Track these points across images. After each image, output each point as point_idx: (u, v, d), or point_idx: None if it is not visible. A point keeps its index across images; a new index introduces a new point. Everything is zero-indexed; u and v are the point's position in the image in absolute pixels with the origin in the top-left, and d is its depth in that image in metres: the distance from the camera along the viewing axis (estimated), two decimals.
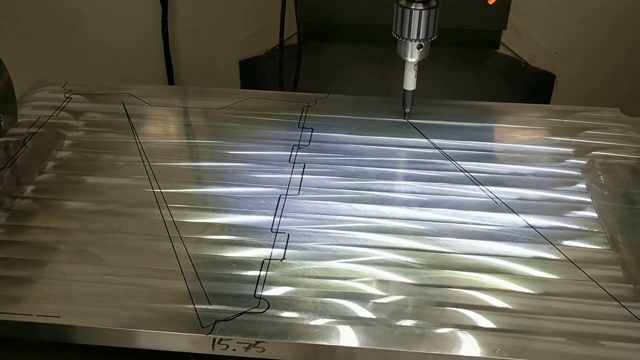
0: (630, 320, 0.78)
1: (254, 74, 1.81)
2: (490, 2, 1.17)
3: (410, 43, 1.08)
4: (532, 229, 0.92)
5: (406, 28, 1.07)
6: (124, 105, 1.22)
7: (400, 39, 1.09)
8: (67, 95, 1.25)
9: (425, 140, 1.12)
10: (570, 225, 0.93)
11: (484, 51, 1.62)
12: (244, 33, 1.83)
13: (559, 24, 1.71)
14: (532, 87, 1.73)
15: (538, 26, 1.71)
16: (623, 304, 0.79)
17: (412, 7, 1.05)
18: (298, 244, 0.89)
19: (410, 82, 1.14)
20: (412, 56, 1.10)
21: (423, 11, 1.05)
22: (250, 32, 1.82)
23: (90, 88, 1.28)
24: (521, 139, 1.13)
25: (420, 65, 1.12)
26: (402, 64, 1.13)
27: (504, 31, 1.49)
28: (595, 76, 1.75)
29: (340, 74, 1.64)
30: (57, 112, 1.20)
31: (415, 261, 0.86)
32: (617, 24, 1.68)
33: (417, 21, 1.06)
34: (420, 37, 1.07)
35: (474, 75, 1.62)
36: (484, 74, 1.63)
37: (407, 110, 1.16)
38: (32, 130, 1.14)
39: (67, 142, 1.12)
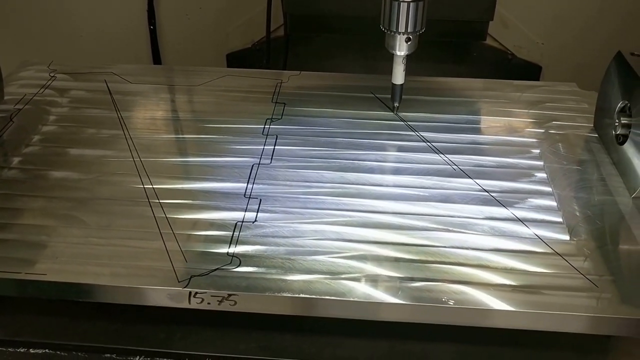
0: (571, 272, 0.85)
1: (241, 66, 1.84)
2: None
3: (399, 36, 1.07)
4: (486, 193, 0.99)
5: (394, 21, 1.06)
6: (106, 83, 1.28)
7: (389, 32, 1.08)
8: (51, 74, 1.30)
9: (390, 113, 1.18)
10: (522, 187, 1.00)
11: (471, 42, 1.64)
12: (230, 25, 1.85)
13: (545, 14, 1.74)
14: (518, 78, 1.75)
15: (525, 17, 1.73)
16: (565, 257, 0.87)
17: (400, 0, 1.04)
18: (269, 208, 0.96)
19: (398, 76, 1.14)
20: (401, 50, 1.09)
21: (411, 4, 1.04)
22: (237, 24, 1.84)
23: (74, 67, 1.33)
24: (482, 112, 1.20)
25: (407, 57, 1.12)
26: (389, 55, 1.13)
27: (490, 22, 1.49)
28: (581, 67, 1.78)
29: (327, 65, 1.68)
30: (42, 90, 1.25)
31: (378, 221, 0.93)
32: (602, 15, 1.71)
33: (405, 14, 1.05)
34: (409, 30, 1.06)
35: (460, 67, 1.65)
36: (470, 66, 1.66)
37: (396, 104, 1.17)
38: (19, 107, 1.20)
39: (51, 118, 1.18)
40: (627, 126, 1.00)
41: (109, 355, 0.95)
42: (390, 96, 1.18)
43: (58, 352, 0.95)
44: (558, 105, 1.21)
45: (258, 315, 0.96)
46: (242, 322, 0.97)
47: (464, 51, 1.63)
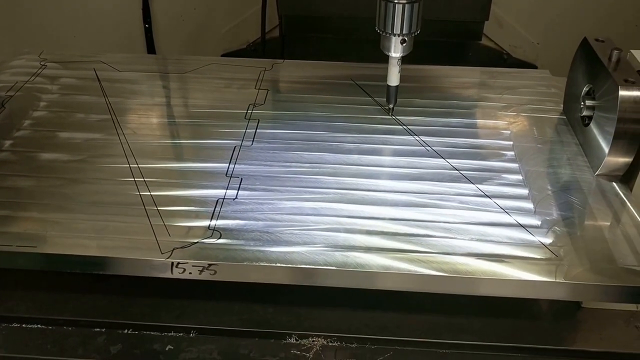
0: (533, 242, 0.90)
1: None
2: None
3: (394, 38, 1.06)
4: (457, 171, 1.04)
5: (389, 22, 1.05)
6: (95, 71, 1.32)
7: (384, 34, 1.07)
8: (42, 63, 1.35)
9: (369, 99, 1.23)
10: (492, 165, 1.05)
11: (467, 43, 1.64)
12: (225, 26, 1.86)
13: (540, 14, 1.75)
14: None
15: (520, 17, 1.74)
16: (528, 229, 0.92)
17: (395, 1, 1.03)
18: (250, 186, 1.01)
19: (393, 78, 1.13)
20: (396, 51, 1.09)
21: (406, 5, 1.03)
22: (232, 24, 1.85)
23: (64, 56, 1.38)
24: (456, 97, 1.25)
25: (402, 58, 1.11)
26: (385, 56, 1.12)
27: (486, 22, 1.49)
28: None
29: None
30: (33, 77, 1.30)
31: (353, 196, 0.98)
32: (598, 14, 1.73)
33: (400, 15, 1.04)
34: (404, 32, 1.05)
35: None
36: (466, 66, 1.69)
37: (391, 105, 1.16)
38: (10, 93, 1.24)
39: (42, 104, 1.23)
40: (592, 108, 1.05)
41: (98, 329, 1.00)
42: (385, 98, 1.19)
43: (50, 327, 1.00)
44: (530, 90, 1.26)
45: (240, 289, 1.02)
46: (225, 296, 1.02)
47: (460, 51, 1.65)
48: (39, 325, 1.00)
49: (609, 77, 0.98)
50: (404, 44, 1.07)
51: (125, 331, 1.00)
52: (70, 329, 0.99)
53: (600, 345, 0.97)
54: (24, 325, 1.00)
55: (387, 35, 1.06)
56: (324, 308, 1.02)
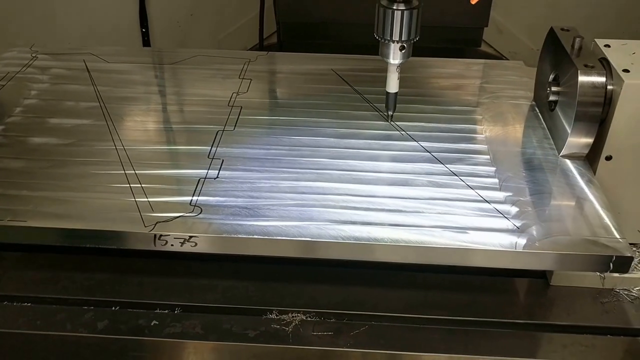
0: (497, 216, 0.96)
1: None
2: (473, 2, 1.07)
3: (393, 44, 1.06)
4: (428, 153, 1.09)
5: (388, 29, 1.04)
6: (84, 62, 1.37)
7: (382, 41, 1.06)
8: (33, 54, 1.40)
9: (348, 87, 1.28)
10: (462, 147, 1.10)
11: (466, 49, 1.65)
12: (222, 32, 1.89)
13: (539, 20, 1.78)
14: None
15: (519, 23, 1.76)
16: (492, 203, 0.97)
17: (394, 8, 1.02)
18: (231, 167, 1.06)
19: (392, 85, 1.12)
20: (395, 58, 1.08)
21: (405, 11, 1.02)
22: (229, 31, 1.88)
23: (54, 50, 1.43)
24: (432, 85, 1.30)
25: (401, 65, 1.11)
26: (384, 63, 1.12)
27: (485, 29, 1.49)
28: None
29: None
30: (24, 68, 1.35)
31: (329, 176, 1.04)
32: (595, 19, 1.75)
33: (399, 22, 1.03)
34: (403, 39, 1.04)
35: None
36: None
37: (390, 112, 1.16)
38: (2, 83, 1.29)
39: (33, 92, 1.28)
40: (557, 93, 1.11)
41: (86, 307, 1.05)
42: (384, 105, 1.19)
43: (40, 305, 1.05)
44: (504, 79, 1.31)
45: (224, 269, 1.08)
46: (209, 275, 1.08)
47: (459, 57, 1.67)
48: (29, 304, 1.05)
49: (570, 63, 1.03)
50: (402, 51, 1.06)
51: (112, 308, 1.05)
52: (61, 307, 1.05)
53: (568, 319, 1.03)
54: (14, 303, 1.05)
55: (386, 42, 1.06)
56: (304, 286, 1.07)
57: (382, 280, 1.08)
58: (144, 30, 1.96)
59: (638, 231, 1.10)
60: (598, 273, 1.05)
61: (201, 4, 1.92)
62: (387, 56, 1.08)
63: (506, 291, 1.08)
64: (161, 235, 0.92)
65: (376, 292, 1.07)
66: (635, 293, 1.07)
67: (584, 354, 0.98)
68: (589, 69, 1.00)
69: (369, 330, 1.01)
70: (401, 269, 1.09)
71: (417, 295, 1.07)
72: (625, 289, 1.08)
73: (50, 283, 1.08)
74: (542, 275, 1.10)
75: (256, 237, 0.92)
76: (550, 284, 1.08)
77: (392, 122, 1.17)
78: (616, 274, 1.04)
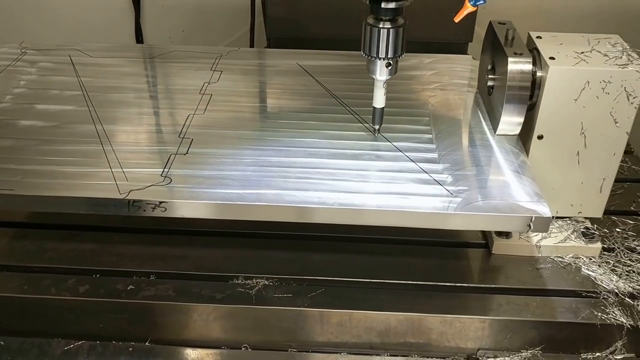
0: (433, 184, 1.08)
1: None
2: (456, 20, 1.08)
3: (379, 62, 1.09)
4: (377, 133, 1.21)
5: (374, 47, 1.07)
6: (70, 57, 1.49)
7: (369, 58, 1.09)
8: (22, 50, 1.51)
9: (310, 79, 1.40)
10: (408, 128, 1.22)
11: None
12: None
13: (523, 34, 1.86)
14: None
15: None
16: (430, 174, 1.09)
17: (380, 26, 1.05)
18: (199, 145, 1.17)
19: (379, 100, 1.16)
20: (381, 75, 1.11)
21: (391, 30, 1.05)
22: (220, 46, 1.97)
23: (42, 46, 1.54)
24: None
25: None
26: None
27: (470, 43, 1.55)
28: None
29: None
30: (14, 62, 1.46)
31: (288, 149, 1.16)
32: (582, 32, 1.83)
33: (385, 40, 1.06)
34: (389, 56, 1.08)
35: None
36: None
37: (376, 127, 1.19)
38: None
39: (22, 82, 1.39)
40: (493, 80, 1.23)
41: (69, 275, 1.16)
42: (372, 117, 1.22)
43: (27, 273, 1.16)
44: (453, 72, 1.44)
45: (195, 242, 1.19)
46: (182, 246, 1.20)
47: None
48: (19, 272, 1.16)
49: (503, 53, 1.16)
50: (389, 67, 1.10)
51: (94, 276, 1.16)
52: (46, 275, 1.16)
53: (505, 282, 1.15)
54: (6, 272, 1.16)
55: (373, 59, 1.09)
56: (268, 255, 1.20)
57: (338, 249, 1.21)
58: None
59: (571, 205, 1.22)
60: (535, 243, 1.17)
61: (192, 20, 1.98)
62: (374, 72, 1.11)
63: (450, 258, 1.20)
64: (134, 202, 1.04)
65: (332, 260, 1.19)
66: (568, 260, 1.19)
67: (517, 312, 1.10)
68: (517, 57, 1.13)
69: (325, 292, 1.13)
70: (354, 240, 1.22)
71: (369, 261, 1.19)
72: (560, 257, 1.20)
73: (37, 254, 1.20)
74: (485, 246, 1.22)
75: (219, 202, 1.03)
76: (492, 252, 1.20)
77: (348, 107, 1.29)
78: (548, 242, 1.17)
